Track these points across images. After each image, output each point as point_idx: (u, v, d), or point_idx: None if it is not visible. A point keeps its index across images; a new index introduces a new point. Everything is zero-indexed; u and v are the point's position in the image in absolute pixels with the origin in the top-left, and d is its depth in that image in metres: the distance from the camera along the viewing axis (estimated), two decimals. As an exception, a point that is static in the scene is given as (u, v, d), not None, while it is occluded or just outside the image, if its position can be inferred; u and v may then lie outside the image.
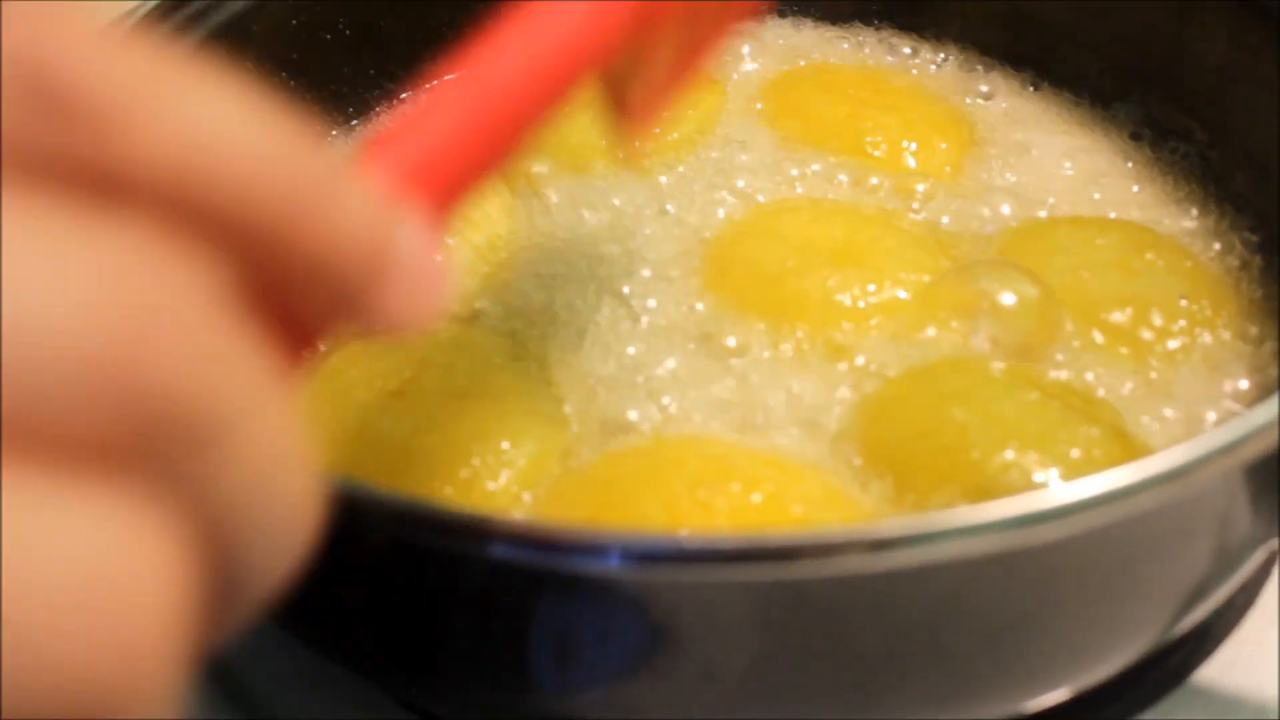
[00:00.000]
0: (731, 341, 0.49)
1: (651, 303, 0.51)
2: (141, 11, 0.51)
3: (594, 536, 0.31)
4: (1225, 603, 0.47)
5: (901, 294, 0.50)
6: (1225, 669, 0.47)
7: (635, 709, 0.38)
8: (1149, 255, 0.51)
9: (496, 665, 0.38)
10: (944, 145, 0.59)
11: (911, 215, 0.55)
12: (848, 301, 0.49)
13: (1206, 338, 0.49)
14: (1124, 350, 0.48)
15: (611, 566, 0.31)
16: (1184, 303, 0.50)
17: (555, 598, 0.35)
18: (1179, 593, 0.41)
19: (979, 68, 0.65)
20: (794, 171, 0.58)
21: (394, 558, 0.36)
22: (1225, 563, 0.41)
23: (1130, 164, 0.59)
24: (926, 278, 0.50)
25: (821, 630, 0.36)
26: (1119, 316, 0.49)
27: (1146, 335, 0.49)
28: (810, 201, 0.56)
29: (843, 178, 0.57)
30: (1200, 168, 0.58)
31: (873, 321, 0.49)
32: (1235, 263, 0.54)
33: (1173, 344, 0.49)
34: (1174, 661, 0.47)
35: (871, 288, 0.50)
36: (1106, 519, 0.34)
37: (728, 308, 0.51)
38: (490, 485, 0.43)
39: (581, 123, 0.57)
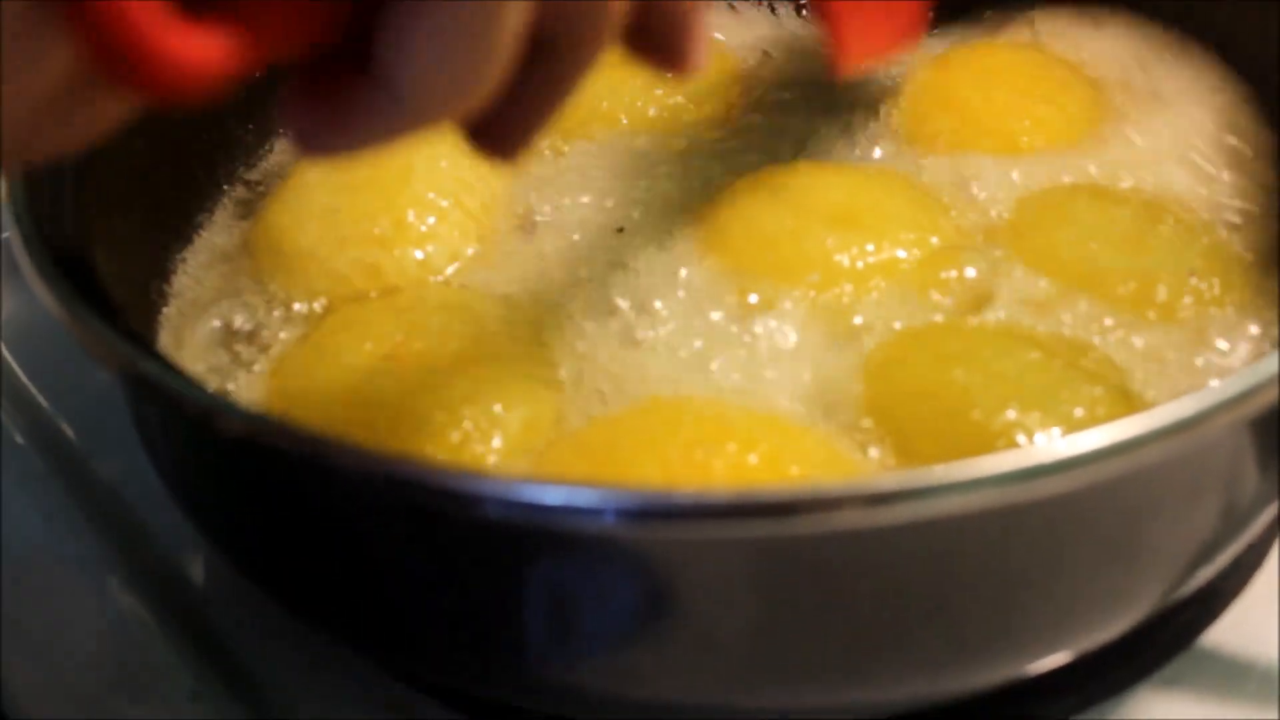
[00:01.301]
0: (730, 304, 0.49)
1: (648, 265, 0.51)
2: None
3: (586, 493, 0.30)
4: (1232, 564, 0.47)
5: (902, 255, 0.49)
6: (1232, 631, 0.47)
7: (632, 676, 0.37)
8: (1163, 229, 0.50)
9: (489, 629, 0.37)
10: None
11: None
12: (846, 263, 0.49)
13: (1214, 313, 0.48)
14: (1127, 320, 0.47)
15: (605, 524, 0.31)
16: (1194, 280, 0.48)
17: (546, 557, 0.34)
18: (1185, 552, 0.40)
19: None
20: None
21: (383, 518, 0.35)
22: (1232, 522, 0.41)
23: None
24: (935, 239, 0.50)
25: (820, 591, 0.35)
26: (1124, 289, 0.48)
27: (1150, 310, 0.48)
28: (813, 165, 0.55)
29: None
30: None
31: (872, 283, 0.48)
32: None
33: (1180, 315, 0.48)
34: (1180, 623, 0.47)
35: (870, 248, 0.49)
36: (1109, 473, 0.33)
37: (726, 271, 0.50)
38: (481, 449, 0.43)
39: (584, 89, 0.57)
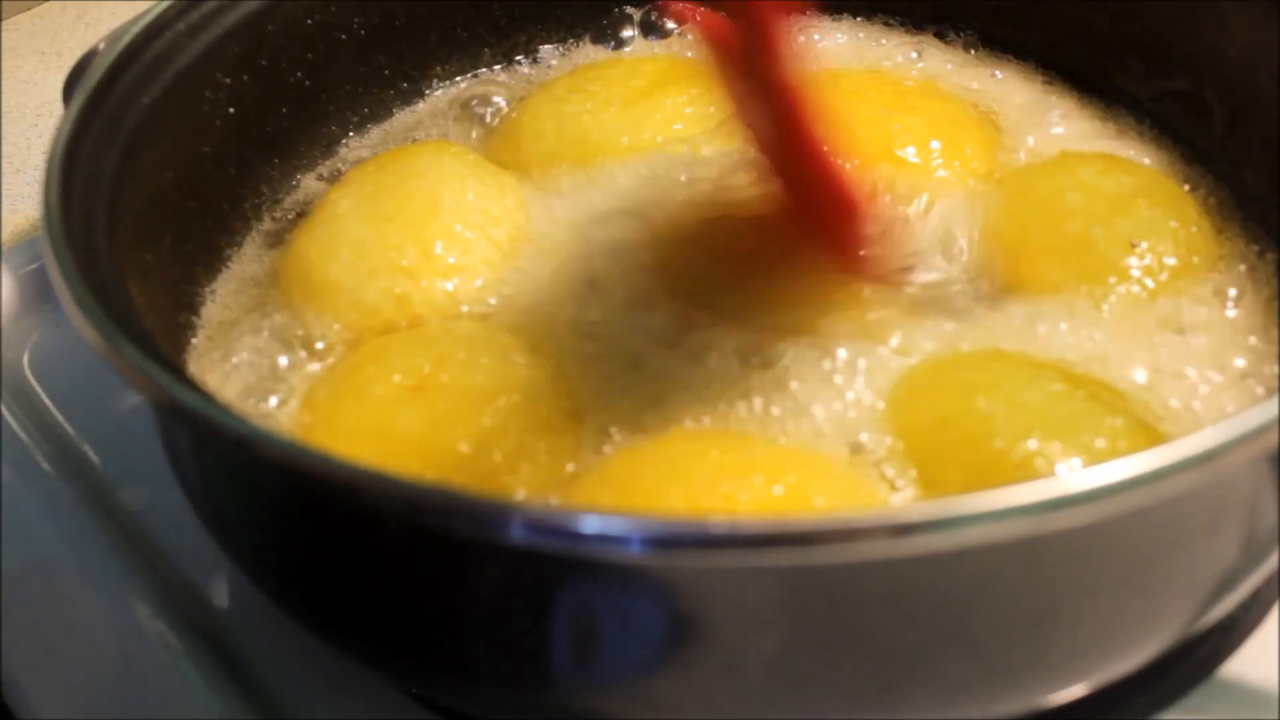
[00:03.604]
0: (751, 336, 0.49)
1: (668, 302, 0.51)
2: (157, 10, 0.51)
3: (615, 521, 0.31)
4: (1252, 595, 0.47)
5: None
6: (1252, 662, 0.47)
7: (657, 703, 0.38)
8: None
9: (516, 657, 0.37)
10: (970, 149, 0.58)
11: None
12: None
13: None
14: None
15: (633, 552, 0.31)
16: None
17: (576, 585, 0.34)
18: (1205, 583, 0.40)
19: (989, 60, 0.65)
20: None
21: (412, 545, 0.36)
22: (1251, 554, 0.41)
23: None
24: None
25: (845, 620, 0.35)
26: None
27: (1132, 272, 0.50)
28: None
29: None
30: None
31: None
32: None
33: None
34: (1201, 655, 0.47)
35: None
36: (1131, 505, 0.33)
37: (748, 304, 0.50)
38: (509, 479, 0.43)
39: (600, 119, 0.58)
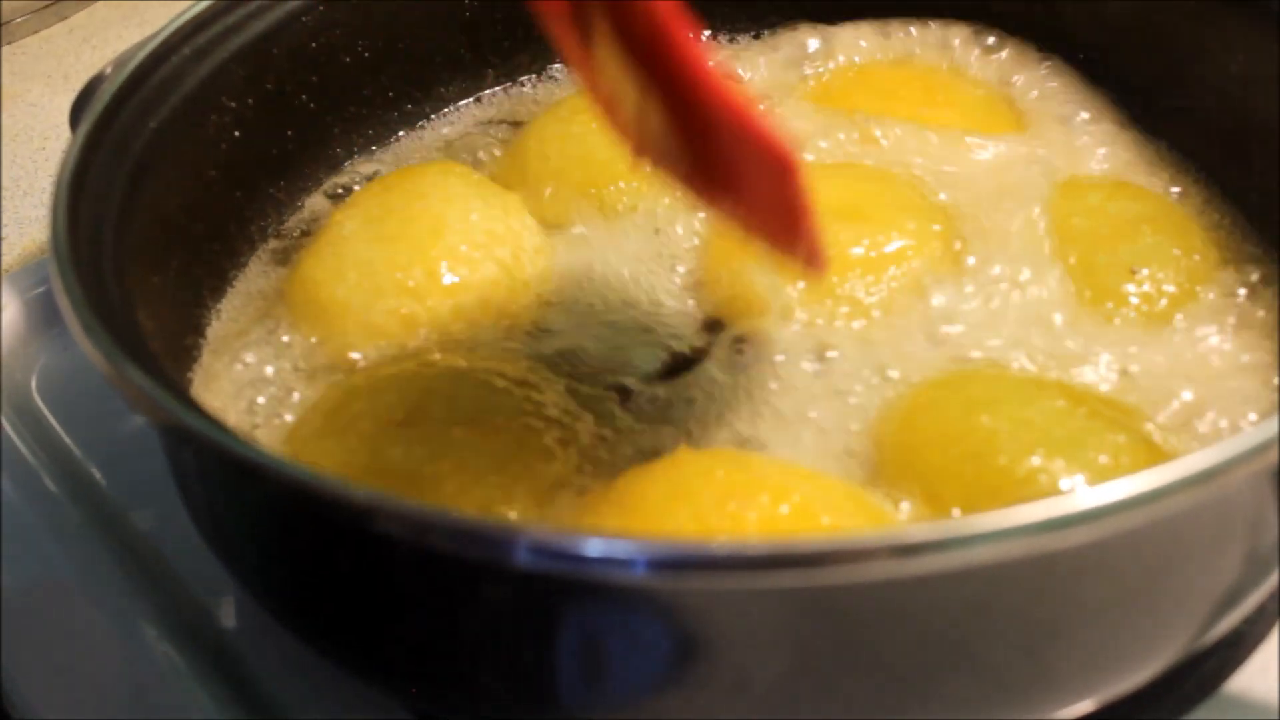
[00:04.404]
0: (750, 356, 0.49)
1: (672, 322, 0.52)
2: (163, 35, 0.51)
3: (623, 544, 0.31)
4: (1256, 610, 0.47)
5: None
6: (1257, 677, 0.47)
7: (662, 722, 0.38)
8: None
9: (520, 681, 0.38)
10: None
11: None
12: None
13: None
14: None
15: (637, 574, 0.31)
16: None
17: (581, 608, 0.34)
18: (1210, 599, 0.40)
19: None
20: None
21: (417, 568, 0.36)
22: (1254, 570, 0.41)
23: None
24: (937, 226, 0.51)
25: (850, 640, 0.35)
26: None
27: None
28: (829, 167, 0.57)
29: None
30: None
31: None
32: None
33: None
34: (1206, 670, 0.47)
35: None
36: (1134, 523, 0.33)
37: (751, 326, 0.51)
38: (503, 509, 0.43)
39: (607, 139, 0.58)
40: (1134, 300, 0.51)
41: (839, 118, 0.60)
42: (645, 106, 0.38)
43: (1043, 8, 0.63)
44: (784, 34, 0.67)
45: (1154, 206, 0.55)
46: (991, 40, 0.65)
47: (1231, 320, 0.51)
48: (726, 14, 0.68)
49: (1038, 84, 0.63)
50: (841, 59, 0.65)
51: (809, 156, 0.58)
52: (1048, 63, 0.63)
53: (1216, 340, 0.50)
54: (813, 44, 0.66)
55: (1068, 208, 0.54)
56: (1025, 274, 0.52)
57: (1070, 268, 0.52)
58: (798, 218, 0.38)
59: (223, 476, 0.40)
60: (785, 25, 0.67)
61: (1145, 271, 0.51)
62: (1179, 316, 0.51)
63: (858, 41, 0.66)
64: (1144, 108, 0.60)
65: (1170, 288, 0.51)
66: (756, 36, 0.68)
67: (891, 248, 0.51)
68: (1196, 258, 0.52)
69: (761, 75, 0.65)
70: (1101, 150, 0.59)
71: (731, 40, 0.68)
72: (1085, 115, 0.61)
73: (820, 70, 0.64)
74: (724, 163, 0.39)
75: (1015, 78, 0.63)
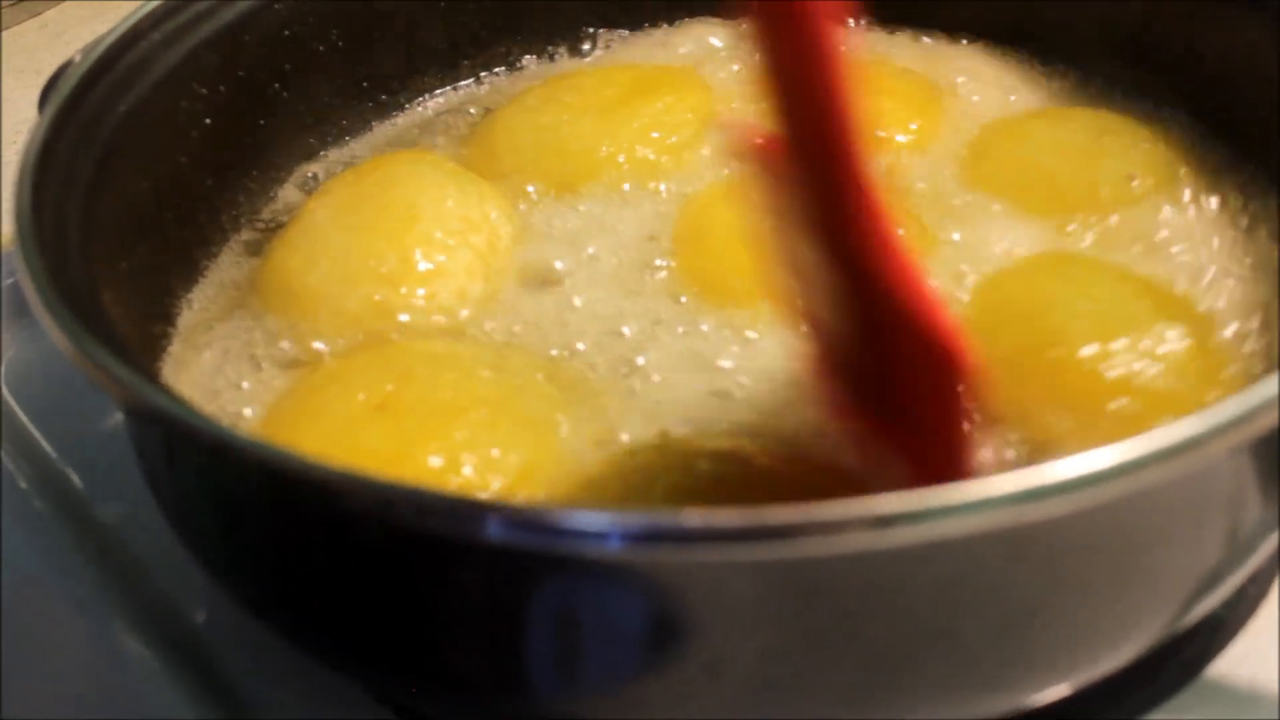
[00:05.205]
0: (726, 337, 0.49)
1: (653, 305, 0.51)
2: (133, 19, 0.51)
3: (593, 517, 0.31)
4: (1236, 595, 0.47)
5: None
6: (1239, 662, 0.47)
7: (636, 706, 0.37)
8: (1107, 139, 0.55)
9: (495, 659, 0.37)
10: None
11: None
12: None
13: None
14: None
15: (612, 547, 0.31)
16: (1135, 183, 0.53)
17: (553, 584, 0.34)
18: (1189, 579, 0.40)
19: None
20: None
21: (387, 547, 0.35)
22: (1234, 550, 0.41)
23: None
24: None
25: (824, 617, 0.35)
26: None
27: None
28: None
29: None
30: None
31: None
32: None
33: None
34: (1186, 655, 0.47)
35: None
36: (1111, 495, 0.33)
37: (713, 305, 0.50)
38: (481, 495, 0.43)
39: (579, 129, 0.58)
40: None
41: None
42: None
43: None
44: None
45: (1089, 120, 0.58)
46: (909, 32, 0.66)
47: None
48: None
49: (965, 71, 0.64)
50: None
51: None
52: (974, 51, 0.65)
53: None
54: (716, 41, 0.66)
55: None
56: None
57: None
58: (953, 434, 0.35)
59: (189, 457, 0.40)
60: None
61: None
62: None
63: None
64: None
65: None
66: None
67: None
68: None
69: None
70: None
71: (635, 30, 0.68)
72: (1014, 98, 0.62)
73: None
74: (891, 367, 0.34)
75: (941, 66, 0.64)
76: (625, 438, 0.45)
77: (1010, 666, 0.38)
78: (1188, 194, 0.54)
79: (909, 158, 0.58)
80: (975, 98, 0.62)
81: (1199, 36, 0.57)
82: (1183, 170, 0.55)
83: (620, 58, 0.67)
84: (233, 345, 0.52)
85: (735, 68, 0.64)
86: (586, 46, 0.68)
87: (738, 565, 0.33)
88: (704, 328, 0.50)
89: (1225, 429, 0.33)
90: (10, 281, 0.64)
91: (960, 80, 0.63)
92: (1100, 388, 0.44)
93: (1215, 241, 0.52)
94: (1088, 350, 0.45)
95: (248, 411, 0.49)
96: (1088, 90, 0.62)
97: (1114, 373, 0.44)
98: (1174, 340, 0.45)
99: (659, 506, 0.40)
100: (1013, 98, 0.62)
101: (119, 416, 0.57)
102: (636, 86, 0.60)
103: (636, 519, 0.31)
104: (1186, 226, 0.53)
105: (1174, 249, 0.52)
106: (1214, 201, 0.54)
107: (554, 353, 0.49)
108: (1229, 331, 0.48)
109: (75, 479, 0.57)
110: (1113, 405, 0.44)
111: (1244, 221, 0.53)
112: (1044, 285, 0.49)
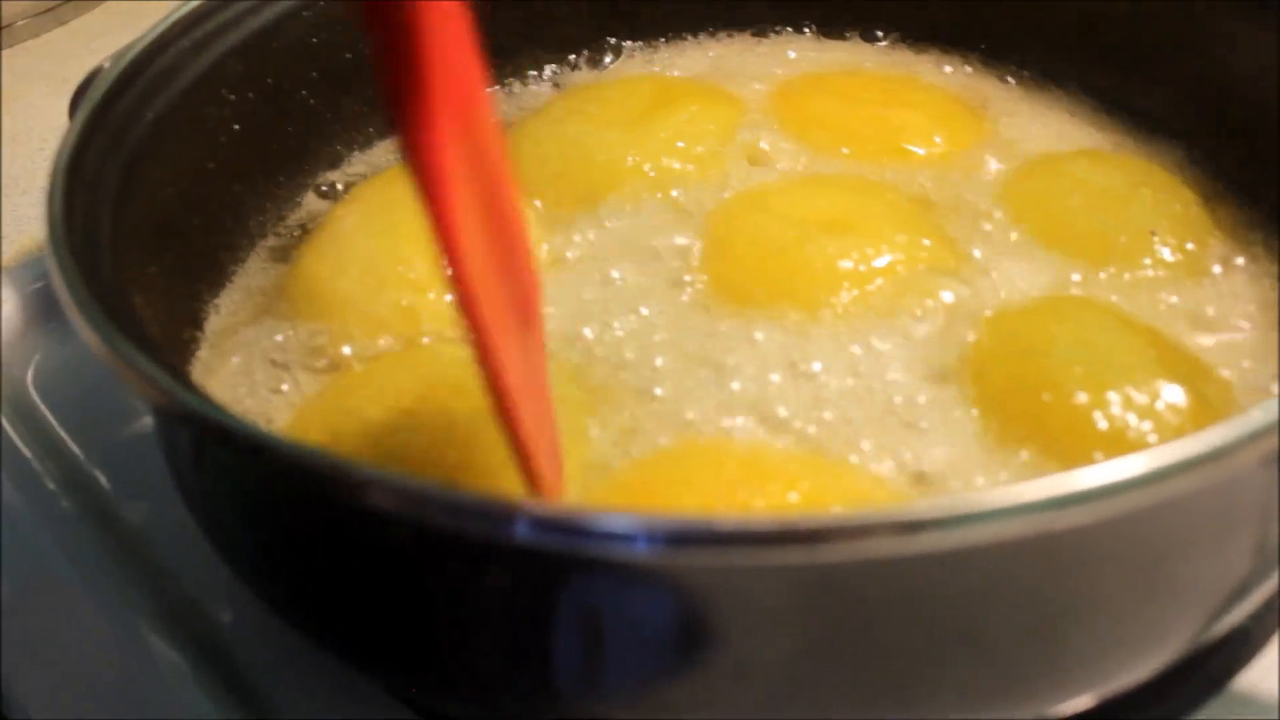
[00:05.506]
0: (756, 340, 0.49)
1: (669, 316, 0.51)
2: (162, 27, 0.51)
3: (622, 519, 0.31)
4: (1263, 606, 0.46)
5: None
6: (1265, 675, 0.47)
7: (662, 708, 0.37)
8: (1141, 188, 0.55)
9: (517, 661, 0.37)
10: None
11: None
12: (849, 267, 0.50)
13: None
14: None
15: (640, 550, 0.31)
16: (1155, 237, 0.53)
17: (583, 586, 0.34)
18: (1216, 590, 0.40)
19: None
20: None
21: (412, 546, 0.35)
22: (1262, 561, 0.41)
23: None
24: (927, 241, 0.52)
25: (853, 622, 0.35)
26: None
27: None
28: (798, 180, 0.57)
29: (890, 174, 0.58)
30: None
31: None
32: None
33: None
34: (1213, 666, 0.46)
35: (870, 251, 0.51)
36: (1139, 503, 0.33)
37: (738, 309, 0.50)
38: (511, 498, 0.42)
39: (604, 141, 0.58)
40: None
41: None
42: None
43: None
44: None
45: (1133, 169, 0.57)
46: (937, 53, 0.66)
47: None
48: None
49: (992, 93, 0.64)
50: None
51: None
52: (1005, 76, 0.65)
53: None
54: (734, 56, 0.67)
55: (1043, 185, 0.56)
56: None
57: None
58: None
59: (217, 458, 0.40)
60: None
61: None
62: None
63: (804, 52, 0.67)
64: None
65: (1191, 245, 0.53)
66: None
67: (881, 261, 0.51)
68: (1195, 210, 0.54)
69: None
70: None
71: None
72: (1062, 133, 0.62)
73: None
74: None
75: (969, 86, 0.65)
76: (652, 442, 0.45)
77: (1034, 676, 0.38)
78: (1214, 253, 0.54)
79: (954, 174, 0.58)
80: (1025, 129, 0.62)
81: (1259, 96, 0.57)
82: (1212, 230, 0.55)
83: (641, 69, 0.67)
84: (260, 350, 0.52)
85: (757, 86, 0.64)
86: (609, 59, 0.68)
87: (766, 569, 0.33)
88: (729, 335, 0.50)
89: (1255, 438, 0.33)
90: (36, 287, 0.64)
91: (1010, 111, 0.63)
92: (1090, 437, 0.43)
93: (1241, 304, 0.52)
94: (1080, 398, 0.44)
95: (276, 415, 0.49)
96: (1138, 132, 0.62)
97: (1104, 425, 0.43)
98: (1173, 397, 0.44)
99: (687, 509, 0.40)
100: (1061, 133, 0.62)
101: (146, 418, 0.57)
102: (659, 98, 0.60)
103: (666, 522, 0.31)
104: (1212, 284, 0.52)
105: (1186, 303, 0.51)
106: (1241, 260, 0.54)
107: (579, 358, 0.49)
108: (1245, 397, 0.47)
109: (103, 480, 0.57)
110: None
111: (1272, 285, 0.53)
112: (1049, 326, 0.48)
